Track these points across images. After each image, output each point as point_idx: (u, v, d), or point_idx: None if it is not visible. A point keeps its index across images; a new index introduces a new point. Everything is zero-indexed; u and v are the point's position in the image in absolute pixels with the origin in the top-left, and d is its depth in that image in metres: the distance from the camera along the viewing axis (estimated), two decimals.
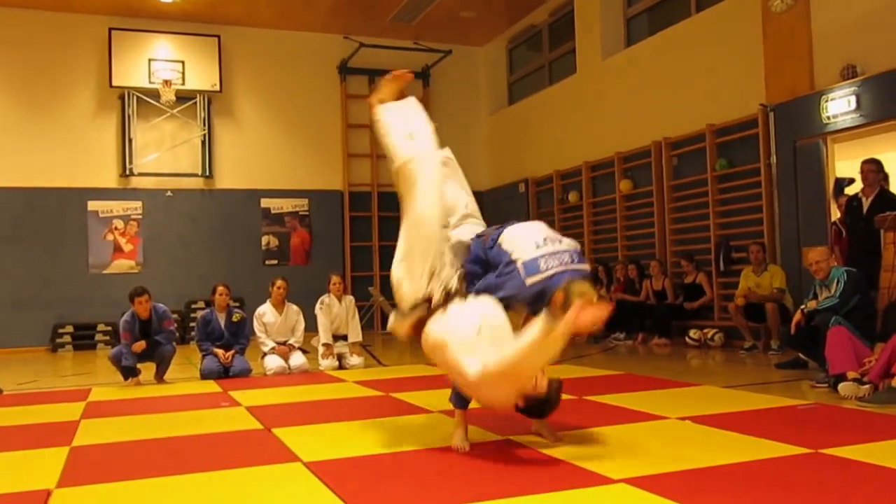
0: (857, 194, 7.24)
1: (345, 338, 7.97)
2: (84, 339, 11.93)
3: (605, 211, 11.37)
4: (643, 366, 7.32)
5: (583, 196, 11.75)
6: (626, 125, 10.83)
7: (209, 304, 7.85)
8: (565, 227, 12.37)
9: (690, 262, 9.40)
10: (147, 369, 7.10)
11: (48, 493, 3.15)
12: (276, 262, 13.36)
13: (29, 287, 11.95)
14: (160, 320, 7.07)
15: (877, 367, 4.82)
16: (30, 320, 11.86)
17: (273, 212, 13.46)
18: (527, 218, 13.09)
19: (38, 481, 3.35)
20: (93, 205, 12.46)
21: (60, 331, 11.90)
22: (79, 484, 3.31)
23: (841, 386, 4.95)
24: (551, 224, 12.45)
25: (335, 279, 8.02)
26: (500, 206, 14.11)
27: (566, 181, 12.30)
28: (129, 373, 6.92)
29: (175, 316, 12.35)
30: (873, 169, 7.03)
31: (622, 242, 10.90)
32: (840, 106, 7.68)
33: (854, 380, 4.93)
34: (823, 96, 7.85)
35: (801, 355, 6.31)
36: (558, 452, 3.55)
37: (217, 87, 12.87)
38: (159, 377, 7.12)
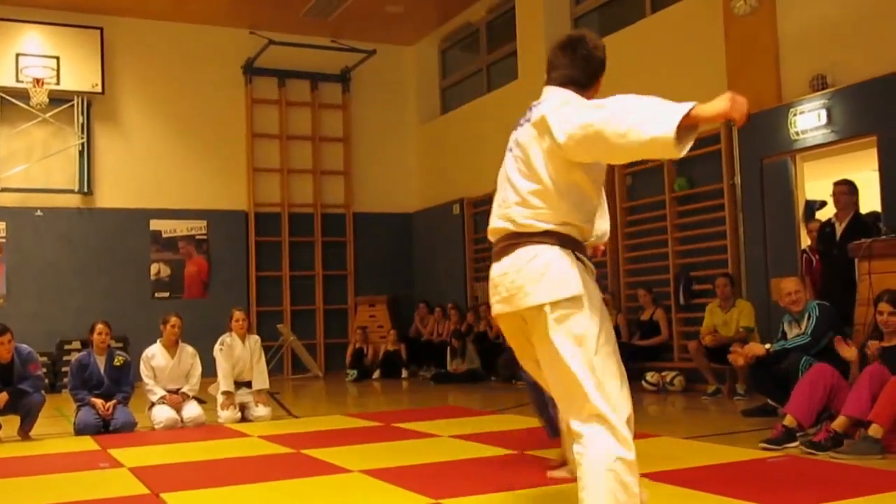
0: (829, 219, 7.51)
1: (249, 384, 7.86)
2: None
3: None
4: None
5: None
6: None
7: (86, 344, 7.65)
8: None
9: (648, 294, 9.58)
10: (9, 423, 6.86)
11: None
12: (167, 294, 13.11)
13: None
14: (24, 364, 6.85)
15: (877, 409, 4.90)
16: None
17: (164, 235, 13.23)
18: (462, 244, 13.21)
19: None
20: None
21: None
22: None
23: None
24: (490, 250, 12.60)
25: (238, 315, 7.92)
26: (431, 229, 14.21)
27: None
28: None
29: (43, 359, 12.04)
30: (846, 191, 7.29)
31: None
32: (810, 120, 7.97)
33: (803, 439, 5.10)
34: (791, 109, 8.14)
35: (769, 401, 6.47)
36: None
37: (98, 88, 12.64)
38: (24, 432, 6.89)
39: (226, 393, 7.70)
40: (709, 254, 9.12)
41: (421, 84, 14.88)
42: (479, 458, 5.18)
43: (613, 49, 11.35)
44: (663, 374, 9.07)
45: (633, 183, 10.17)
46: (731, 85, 8.76)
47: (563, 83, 3.05)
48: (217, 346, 7.80)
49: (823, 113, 7.84)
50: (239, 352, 7.81)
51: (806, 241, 8.11)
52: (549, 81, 3.11)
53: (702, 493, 3.92)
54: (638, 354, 9.46)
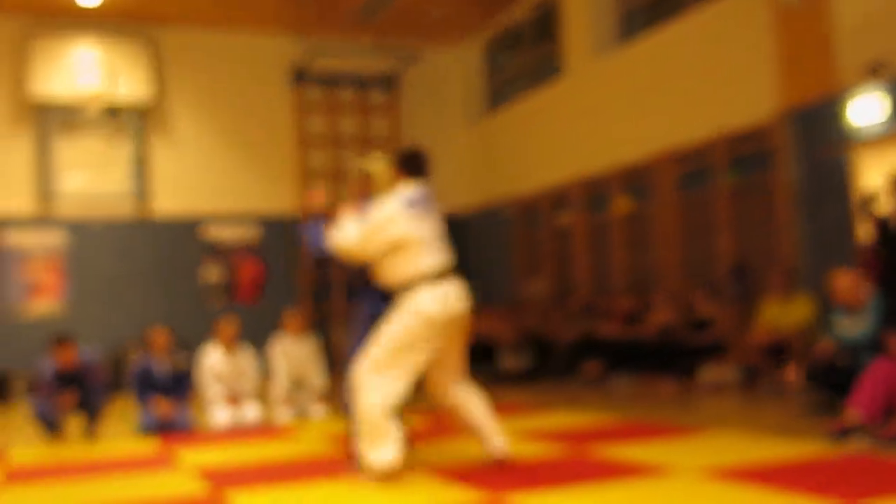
0: (890, 214, 7.36)
1: (306, 384, 7.95)
2: None
3: (602, 233, 11.47)
4: (649, 411, 7.37)
5: (576, 216, 11.85)
6: (622, 134, 10.97)
7: (146, 349, 7.81)
8: (557, 253, 12.47)
9: (702, 290, 9.50)
10: (76, 424, 7.05)
11: None
12: (222, 300, 13.31)
13: None
14: (87, 369, 7.03)
15: None
16: None
17: (218, 242, 13.43)
18: (513, 244, 13.21)
19: None
20: (6, 237, 12.37)
21: None
22: None
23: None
24: (542, 250, 12.60)
25: (293, 315, 8.01)
26: (481, 230, 14.24)
27: (557, 199, 12.40)
28: (55, 428, 6.89)
29: (106, 363, 12.30)
30: None
31: (622, 269, 11.00)
32: (867, 110, 7.82)
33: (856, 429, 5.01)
34: (848, 99, 8.00)
35: (828, 397, 6.38)
36: None
37: (152, 98, 12.88)
38: (90, 432, 7.07)
39: (283, 393, 7.80)
40: (763, 247, 9.01)
41: (467, 84, 14.91)
42: (536, 455, 5.20)
43: (662, 43, 11.29)
44: (719, 370, 8.97)
45: (685, 176, 10.08)
46: (783, 74, 8.67)
47: None
48: (273, 347, 7.90)
49: (882, 102, 7.69)
50: (296, 352, 7.90)
51: (863, 235, 7.98)
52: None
53: (763, 488, 3.90)
54: (693, 351, 9.38)
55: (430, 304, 4.53)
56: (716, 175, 9.50)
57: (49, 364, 6.93)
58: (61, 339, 6.94)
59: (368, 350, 4.55)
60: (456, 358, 4.86)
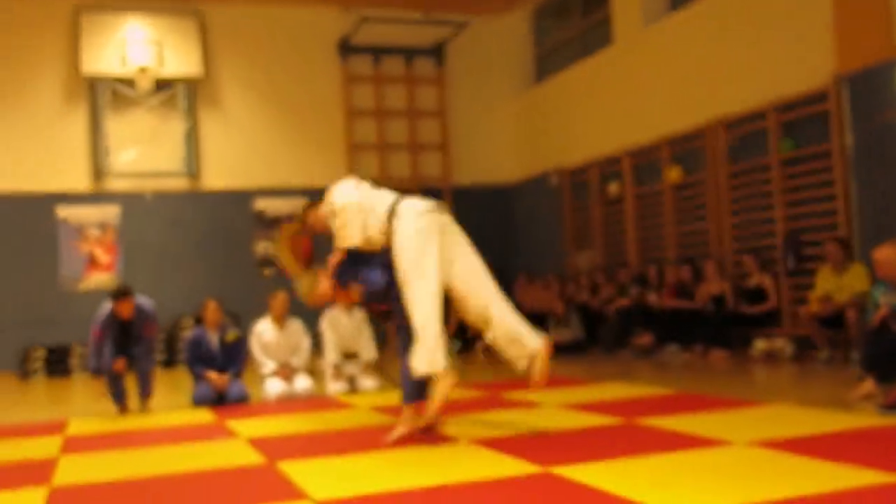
0: None
1: (356, 356, 8.01)
2: (57, 363, 12.07)
3: (652, 203, 11.36)
4: (701, 382, 7.31)
5: (625, 187, 11.75)
6: (672, 103, 10.83)
7: (199, 321, 7.93)
8: (606, 224, 12.39)
9: (754, 260, 9.37)
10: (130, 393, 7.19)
11: None
12: (273, 272, 13.44)
13: None
14: (141, 322, 7.19)
15: None
16: None
17: (268, 214, 13.55)
18: (561, 215, 13.16)
19: None
20: (62, 211, 12.61)
21: (31, 354, 12.06)
22: None
23: None
24: (590, 220, 12.52)
25: None
26: (529, 200, 14.18)
27: (605, 170, 12.30)
28: (121, 400, 7.08)
29: (160, 336, 12.52)
30: None
31: (673, 240, 10.89)
32: None
33: None
34: None
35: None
36: (607, 484, 3.56)
37: (200, 73, 12.99)
38: (142, 402, 7.21)
39: (333, 365, 7.87)
40: (818, 217, 8.85)
41: (514, 54, 14.79)
42: (587, 427, 5.19)
43: (713, 9, 11.07)
44: (773, 341, 8.88)
45: (737, 146, 9.92)
46: (839, 38, 8.45)
47: None
48: (323, 320, 7.97)
49: None
50: (345, 324, 7.96)
51: None
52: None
53: (818, 461, 3.85)
54: (745, 322, 9.28)
55: (410, 213, 5.02)
56: (769, 143, 9.33)
57: (106, 314, 7.10)
58: (120, 293, 7.12)
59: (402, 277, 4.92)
60: (471, 268, 5.14)
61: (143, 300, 7.28)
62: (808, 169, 8.96)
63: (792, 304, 9.07)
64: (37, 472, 4.58)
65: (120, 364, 7.02)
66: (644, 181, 11.56)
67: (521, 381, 7.44)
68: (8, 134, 12.43)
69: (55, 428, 6.39)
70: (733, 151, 9.97)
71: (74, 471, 4.65)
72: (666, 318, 9.99)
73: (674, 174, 10.80)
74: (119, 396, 7.15)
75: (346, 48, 13.86)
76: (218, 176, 13.30)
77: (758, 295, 9.29)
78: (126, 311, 7.07)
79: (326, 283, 5.42)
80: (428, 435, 5.06)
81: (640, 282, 10.86)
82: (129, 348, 7.13)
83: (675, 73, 10.82)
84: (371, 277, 5.25)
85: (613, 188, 12.04)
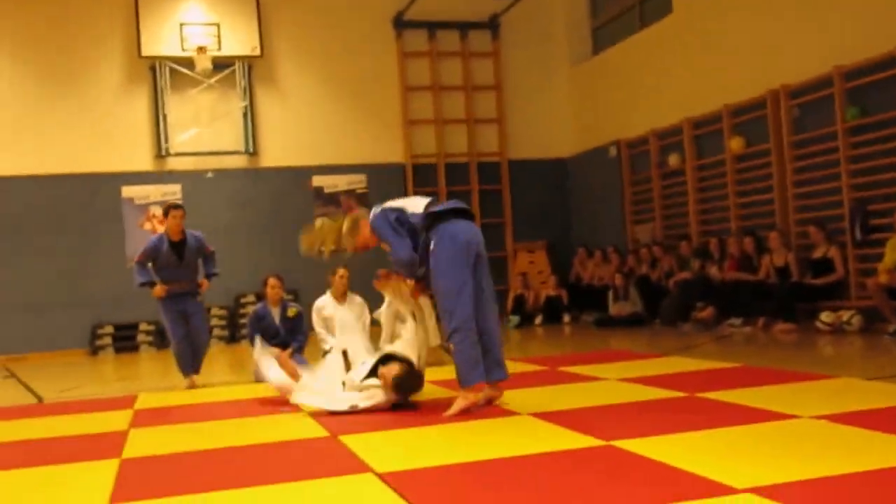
0: None
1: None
2: (125, 339, 12.38)
3: (713, 175, 11.19)
4: (765, 356, 7.21)
5: (685, 158, 11.58)
6: (734, 72, 10.62)
7: (260, 297, 8.03)
8: (666, 196, 12.24)
9: (820, 231, 9.18)
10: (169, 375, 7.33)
11: None
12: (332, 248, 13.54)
13: (62, 285, 12.42)
14: (199, 243, 7.58)
15: None
16: (66, 320, 12.34)
17: (326, 191, 13.65)
18: (619, 187, 13.03)
19: (89, 498, 3.52)
20: (127, 191, 12.87)
21: (99, 331, 12.38)
22: (133, 500, 3.45)
23: None
24: (650, 192, 12.37)
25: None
26: (587, 173, 14.06)
27: (665, 141, 12.14)
28: (147, 282, 7.46)
29: (222, 312, 12.73)
30: None
31: (735, 211, 10.71)
32: None
33: None
34: None
35: None
36: (670, 457, 3.54)
37: (257, 52, 13.09)
38: (194, 369, 7.41)
39: (390, 341, 7.88)
40: (886, 186, 8.63)
41: (571, 25, 14.62)
42: (648, 401, 5.15)
43: None
44: (839, 313, 8.71)
45: (801, 114, 9.71)
46: None
47: None
48: (384, 306, 7.95)
49: None
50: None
51: None
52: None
53: (886, 435, 3.77)
54: (811, 294, 9.12)
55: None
56: (834, 111, 9.10)
57: (153, 242, 7.51)
58: (175, 204, 7.55)
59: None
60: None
61: (193, 230, 7.65)
62: (876, 137, 8.73)
63: (859, 275, 8.87)
64: (108, 445, 4.70)
65: (160, 291, 7.40)
66: (705, 152, 11.38)
67: (580, 355, 7.44)
68: (74, 116, 12.69)
69: (125, 402, 6.55)
70: (797, 120, 9.75)
71: (143, 443, 4.76)
72: (728, 290, 9.85)
73: (735, 144, 10.61)
74: (185, 364, 7.37)
75: (401, 23, 13.84)
76: (276, 153, 13.43)
77: (824, 266, 9.11)
78: (177, 224, 7.38)
79: (410, 287, 5.57)
80: (487, 408, 5.07)
81: (701, 254, 10.73)
82: (182, 272, 7.47)
83: (736, 41, 10.60)
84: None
85: (673, 160, 11.88)
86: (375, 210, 5.40)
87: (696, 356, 7.32)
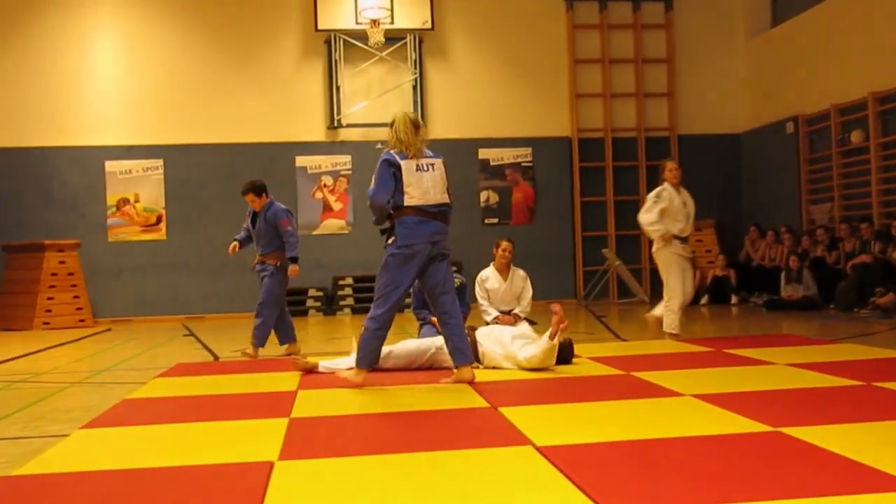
0: None
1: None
2: (295, 304, 12.86)
3: None
4: None
5: (869, 136, 10.95)
6: None
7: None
8: (846, 175, 11.64)
9: None
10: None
11: (271, 466, 3.47)
12: (496, 220, 13.63)
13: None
14: (275, 215, 8.14)
15: None
16: (244, 284, 12.93)
17: (492, 163, 13.71)
18: (795, 165, 12.48)
19: (260, 452, 3.70)
20: (301, 160, 13.35)
21: None
22: (300, 457, 3.61)
23: None
24: (829, 171, 11.77)
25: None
26: (761, 149, 13.53)
27: (847, 117, 11.51)
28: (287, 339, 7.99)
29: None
30: None
31: None
32: None
33: None
34: None
35: None
36: (842, 448, 3.38)
37: (428, 25, 13.25)
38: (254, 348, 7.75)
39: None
40: None
41: None
42: (820, 388, 4.93)
43: None
44: None
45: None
46: None
47: None
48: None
49: None
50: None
51: None
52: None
53: None
54: None
55: None
56: None
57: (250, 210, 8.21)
58: (251, 188, 8.22)
59: None
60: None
61: (278, 204, 8.26)
62: None
63: None
64: (280, 405, 4.92)
65: (233, 248, 8.26)
66: (891, 129, 10.71)
67: (748, 338, 7.21)
68: (254, 89, 13.27)
69: (293, 365, 6.81)
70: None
71: (310, 405, 4.96)
72: None
73: None
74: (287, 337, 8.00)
75: None
76: (444, 125, 13.58)
77: None
78: (259, 203, 8.24)
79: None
80: (649, 387, 4.99)
81: (882, 237, 10.14)
82: (255, 226, 8.16)
83: None
84: None
85: (856, 136, 11.24)
86: (388, 154, 6.12)
87: (874, 344, 6.93)
